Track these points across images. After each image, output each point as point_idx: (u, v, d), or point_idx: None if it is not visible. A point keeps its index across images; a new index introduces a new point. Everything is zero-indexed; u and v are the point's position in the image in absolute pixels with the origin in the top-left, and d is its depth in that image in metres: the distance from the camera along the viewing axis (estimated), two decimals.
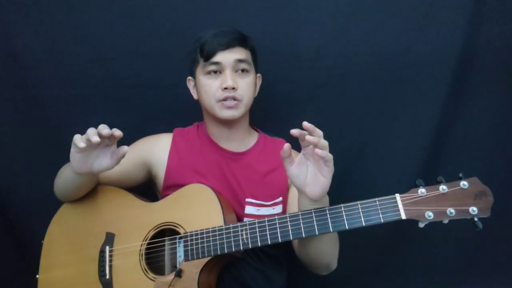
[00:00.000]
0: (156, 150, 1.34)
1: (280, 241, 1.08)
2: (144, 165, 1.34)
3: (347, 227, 1.03)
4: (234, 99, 1.24)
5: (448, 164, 1.51)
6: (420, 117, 1.50)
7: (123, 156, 1.08)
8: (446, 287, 1.56)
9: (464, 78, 1.48)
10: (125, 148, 1.07)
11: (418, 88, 1.50)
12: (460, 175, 1.02)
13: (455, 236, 1.48)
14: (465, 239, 1.50)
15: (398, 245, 1.55)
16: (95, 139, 1.01)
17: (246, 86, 1.27)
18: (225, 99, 1.24)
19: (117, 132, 1.04)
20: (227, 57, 1.24)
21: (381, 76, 1.50)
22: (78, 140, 1.04)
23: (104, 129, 1.03)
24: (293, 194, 1.29)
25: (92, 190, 1.30)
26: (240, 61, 1.26)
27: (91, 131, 1.04)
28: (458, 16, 1.45)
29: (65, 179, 1.24)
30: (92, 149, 1.08)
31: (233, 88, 1.24)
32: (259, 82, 1.37)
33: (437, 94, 1.49)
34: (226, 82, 1.23)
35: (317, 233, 1.05)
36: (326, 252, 1.17)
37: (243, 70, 1.27)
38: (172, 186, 1.28)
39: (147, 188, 1.39)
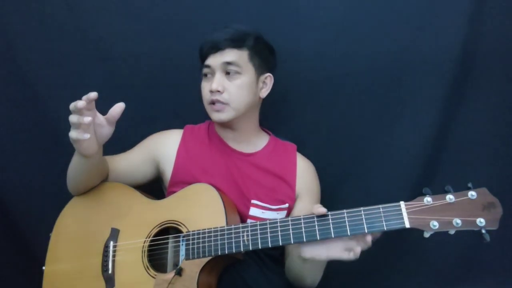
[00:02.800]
0: (165, 146, 1.34)
1: (281, 244, 1.08)
2: (153, 161, 1.34)
3: (349, 234, 1.03)
4: (220, 102, 1.25)
5: (448, 164, 1.50)
6: (421, 117, 1.50)
7: (118, 112, 1.13)
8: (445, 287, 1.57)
9: (464, 78, 1.48)
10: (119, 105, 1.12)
11: (418, 88, 1.50)
12: (469, 185, 1.00)
13: (454, 237, 1.48)
14: (465, 239, 1.50)
15: (398, 246, 1.55)
16: (81, 104, 1.05)
17: (236, 89, 1.25)
18: (212, 102, 1.26)
19: (92, 95, 1.08)
20: (216, 60, 1.25)
21: (381, 76, 1.50)
22: (79, 132, 1.08)
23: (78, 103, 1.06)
24: (300, 206, 1.30)
25: (100, 186, 1.31)
26: (228, 63, 1.25)
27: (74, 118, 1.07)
28: (458, 16, 1.45)
29: (75, 167, 1.23)
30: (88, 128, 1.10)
31: (218, 91, 1.24)
32: (270, 82, 1.35)
33: (437, 93, 1.49)
34: (211, 85, 1.25)
35: (318, 238, 1.05)
36: (306, 277, 1.23)
37: (231, 72, 1.26)
38: (179, 182, 1.28)
39: (149, 187, 1.39)
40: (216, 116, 1.27)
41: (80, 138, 1.08)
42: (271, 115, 1.51)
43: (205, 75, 1.29)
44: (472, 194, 0.99)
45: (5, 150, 1.57)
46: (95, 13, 1.52)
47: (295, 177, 1.32)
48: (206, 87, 1.28)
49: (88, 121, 1.06)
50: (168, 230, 1.24)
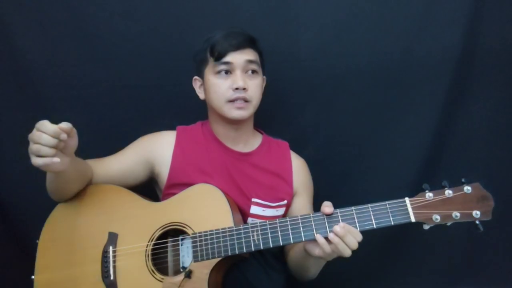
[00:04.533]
0: (159, 148, 1.33)
1: (292, 242, 1.10)
2: (147, 163, 1.33)
3: (358, 229, 1.07)
4: (244, 100, 1.25)
5: (448, 163, 1.51)
6: (420, 117, 1.51)
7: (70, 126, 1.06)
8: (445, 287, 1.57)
9: (464, 78, 1.49)
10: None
11: (418, 88, 1.51)
12: (463, 180, 1.06)
13: (454, 237, 1.49)
14: (464, 239, 1.51)
15: (397, 246, 1.56)
16: (63, 136, 1.02)
17: (255, 87, 1.28)
18: (235, 100, 1.25)
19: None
20: (238, 57, 1.25)
21: (381, 76, 1.51)
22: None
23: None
24: (298, 201, 1.32)
25: (92, 188, 1.28)
26: (251, 62, 1.26)
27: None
28: (458, 16, 1.46)
29: (52, 182, 1.21)
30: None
31: (244, 89, 1.24)
32: (264, 84, 1.36)
33: (437, 94, 1.50)
34: (237, 83, 1.24)
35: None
36: (309, 269, 1.24)
37: (253, 71, 1.28)
38: (176, 184, 1.27)
39: (145, 188, 1.38)
40: (238, 114, 1.25)
41: (49, 163, 1.02)
42: (272, 115, 1.51)
43: (224, 72, 1.26)
44: (467, 188, 1.05)
45: (5, 150, 1.57)
46: (95, 13, 1.52)
47: (291, 174, 1.34)
48: (224, 84, 1.26)
49: (58, 161, 1.02)
50: (167, 233, 1.22)
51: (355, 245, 1.05)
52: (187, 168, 1.29)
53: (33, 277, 1.23)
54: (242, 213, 1.26)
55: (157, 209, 1.24)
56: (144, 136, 1.37)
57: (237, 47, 1.25)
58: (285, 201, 1.31)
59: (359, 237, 1.06)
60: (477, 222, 1.03)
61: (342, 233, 1.04)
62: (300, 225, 1.09)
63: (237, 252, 1.11)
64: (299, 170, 1.36)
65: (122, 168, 1.32)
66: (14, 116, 1.55)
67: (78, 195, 1.28)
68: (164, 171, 1.31)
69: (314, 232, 1.08)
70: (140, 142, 1.36)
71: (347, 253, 1.06)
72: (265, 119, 1.43)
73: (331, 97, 1.54)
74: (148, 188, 1.38)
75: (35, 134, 1.02)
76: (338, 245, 1.05)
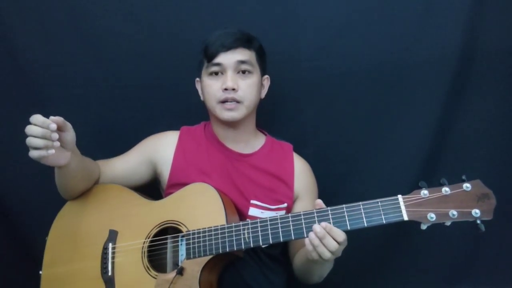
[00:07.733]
0: (161, 148, 1.34)
1: (282, 240, 1.09)
2: (150, 163, 1.34)
3: (348, 228, 1.05)
4: (235, 100, 1.24)
5: (448, 164, 1.51)
6: (420, 117, 1.50)
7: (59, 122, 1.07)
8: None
9: (464, 78, 1.48)
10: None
11: (418, 88, 1.51)
12: (463, 177, 1.03)
13: (454, 236, 1.48)
14: (465, 239, 1.50)
15: (398, 245, 1.55)
16: (52, 126, 1.02)
17: (248, 88, 1.26)
18: (225, 100, 1.25)
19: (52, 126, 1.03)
20: (229, 58, 1.25)
21: (381, 76, 1.51)
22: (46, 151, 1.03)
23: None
24: (300, 206, 1.31)
25: (96, 188, 1.31)
26: (242, 62, 1.26)
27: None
28: (458, 16, 1.45)
29: (58, 177, 1.23)
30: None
31: (233, 89, 1.24)
32: (267, 84, 1.36)
33: (437, 94, 1.49)
34: (226, 83, 1.24)
35: None
36: (314, 274, 1.23)
37: (244, 71, 1.27)
38: (176, 184, 1.28)
39: (150, 188, 1.39)
40: (228, 115, 1.25)
41: (44, 155, 1.03)
42: (272, 115, 1.51)
43: (214, 73, 1.27)
44: (467, 186, 1.01)
45: (5, 150, 1.57)
46: (95, 13, 1.52)
47: (293, 177, 1.33)
48: (215, 85, 1.26)
49: (52, 153, 1.03)
50: (167, 231, 1.24)
51: (333, 247, 1.02)
52: (187, 168, 1.30)
53: (40, 272, 1.27)
54: (241, 215, 1.26)
55: (155, 208, 1.26)
56: (149, 136, 1.39)
57: (228, 48, 1.24)
58: (285, 204, 1.30)
59: (341, 238, 1.03)
60: (477, 221, 0.99)
61: (322, 234, 1.02)
62: (291, 223, 1.09)
63: (227, 250, 1.12)
64: (301, 174, 1.34)
65: (127, 168, 1.34)
66: (14, 116, 1.56)
67: (84, 194, 1.31)
68: (165, 171, 1.32)
69: (304, 230, 1.07)
70: (144, 142, 1.38)
71: (326, 255, 1.03)
72: (265, 119, 1.44)
73: (331, 97, 1.54)
74: (153, 187, 1.39)
75: (27, 127, 1.04)
76: (316, 247, 1.03)
